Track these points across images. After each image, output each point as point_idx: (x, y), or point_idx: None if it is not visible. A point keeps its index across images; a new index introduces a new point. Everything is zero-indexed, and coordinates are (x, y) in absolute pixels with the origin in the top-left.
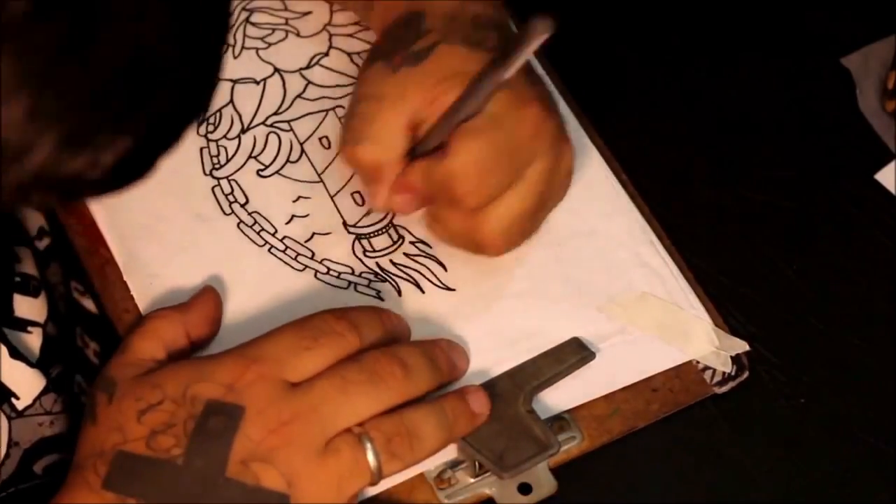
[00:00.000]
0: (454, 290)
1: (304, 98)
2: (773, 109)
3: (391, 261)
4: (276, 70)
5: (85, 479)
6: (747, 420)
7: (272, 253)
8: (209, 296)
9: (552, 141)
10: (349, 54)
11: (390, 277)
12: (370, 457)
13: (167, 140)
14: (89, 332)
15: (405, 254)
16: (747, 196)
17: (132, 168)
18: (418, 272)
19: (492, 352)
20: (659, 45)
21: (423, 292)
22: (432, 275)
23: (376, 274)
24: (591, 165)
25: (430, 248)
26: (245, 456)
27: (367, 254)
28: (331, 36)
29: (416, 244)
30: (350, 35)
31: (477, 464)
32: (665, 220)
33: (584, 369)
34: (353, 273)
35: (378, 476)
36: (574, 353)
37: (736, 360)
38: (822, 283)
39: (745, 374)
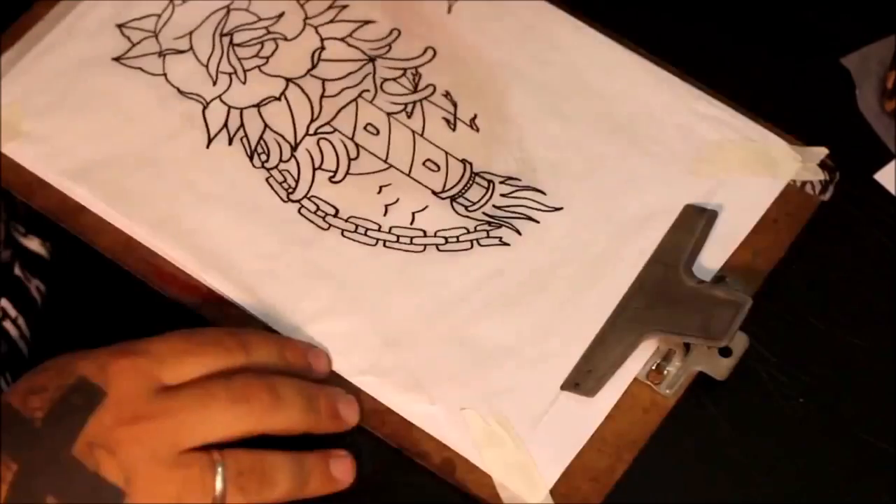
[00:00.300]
0: (562, 208)
1: (328, 96)
2: (773, 109)
3: (494, 206)
4: (288, 80)
5: None
6: (747, 420)
7: (389, 247)
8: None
9: None
10: (342, 39)
11: (503, 222)
12: (218, 482)
13: None
14: (31, 269)
15: (502, 195)
16: None
17: None
18: (524, 206)
19: (623, 245)
20: (659, 44)
21: (537, 222)
22: (536, 203)
23: (489, 223)
24: (612, 54)
25: (520, 180)
26: (93, 439)
27: (470, 209)
28: (316, 29)
29: (506, 182)
30: (332, 21)
31: (685, 346)
32: None
33: (710, 218)
34: (469, 231)
35: (219, 501)
36: (698, 218)
37: (823, 165)
38: (822, 283)
39: (838, 176)
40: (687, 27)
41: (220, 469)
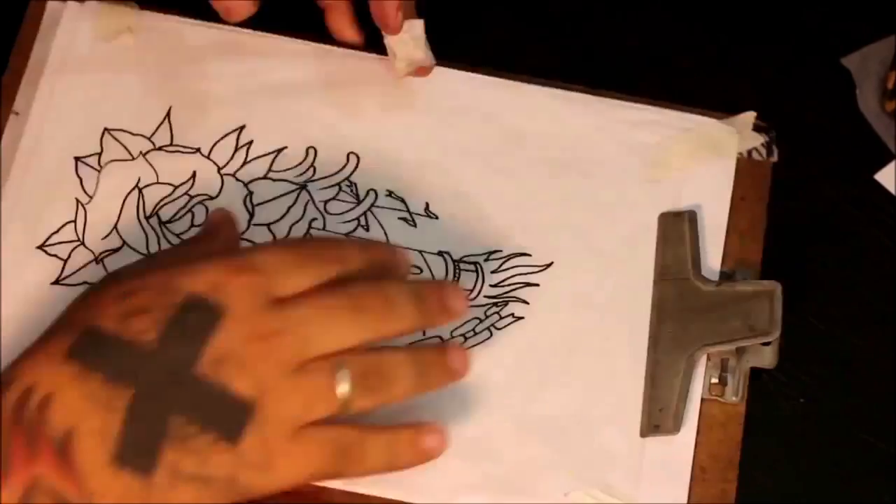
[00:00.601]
0: (552, 262)
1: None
2: (773, 109)
3: (490, 286)
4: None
5: (47, 350)
6: (747, 420)
7: None
8: (226, 220)
9: None
10: (264, 177)
11: (508, 297)
12: (343, 387)
13: None
14: None
15: (492, 272)
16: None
17: None
18: (517, 274)
19: (620, 273)
20: (658, 44)
21: (538, 285)
22: (527, 266)
23: (496, 304)
24: (526, 96)
25: (501, 251)
26: (220, 356)
27: (471, 298)
28: (234, 176)
29: (490, 258)
30: (244, 163)
31: (737, 350)
32: None
33: (692, 219)
34: (481, 320)
35: (346, 408)
36: (680, 223)
37: (757, 129)
38: (822, 284)
39: (774, 133)
40: (686, 27)
41: (343, 375)
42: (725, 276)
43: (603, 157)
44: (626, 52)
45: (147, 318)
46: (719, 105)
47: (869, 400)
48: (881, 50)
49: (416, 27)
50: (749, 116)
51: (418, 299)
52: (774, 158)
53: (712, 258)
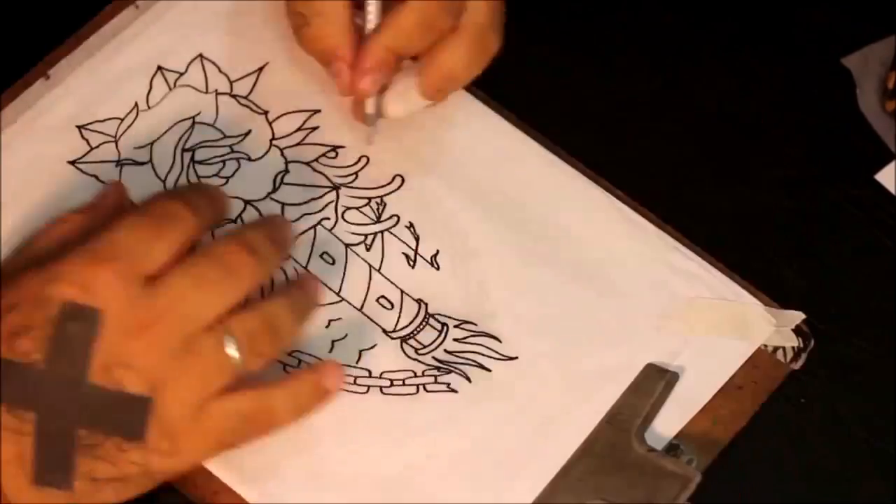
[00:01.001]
0: (516, 357)
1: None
2: (773, 109)
3: (445, 350)
4: (246, 202)
5: None
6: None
7: None
8: (113, 194)
9: None
10: (308, 164)
11: (453, 367)
12: (233, 353)
13: None
14: None
15: (455, 339)
16: (747, 196)
17: None
18: (476, 353)
19: (577, 402)
20: (658, 44)
21: (489, 370)
22: (491, 350)
23: (438, 368)
24: (586, 195)
25: (476, 325)
26: (106, 361)
27: (420, 352)
28: (282, 151)
29: (461, 326)
30: (299, 143)
31: None
32: (666, 220)
33: (670, 381)
34: (416, 375)
35: (240, 371)
36: (657, 380)
37: (797, 331)
38: (822, 283)
39: (812, 343)
40: (687, 26)
41: (231, 343)
42: (670, 447)
43: (628, 286)
44: (625, 51)
45: (29, 339)
46: (718, 106)
47: (869, 400)
48: (881, 50)
49: (400, 83)
50: (796, 316)
51: (273, 240)
52: (797, 365)
53: (669, 427)
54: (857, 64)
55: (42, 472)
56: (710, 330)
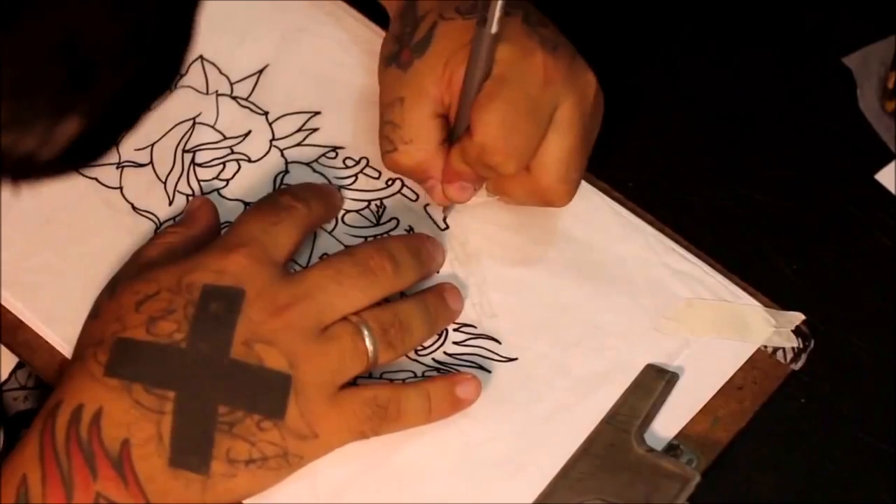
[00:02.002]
0: (516, 358)
1: None
2: (773, 109)
3: (445, 352)
4: (246, 204)
5: (86, 369)
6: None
7: None
8: (206, 206)
9: (567, 79)
10: (308, 164)
11: (452, 369)
12: (368, 343)
13: (124, 119)
14: None
15: (455, 342)
16: (747, 196)
17: (89, 147)
18: (476, 354)
19: (576, 402)
20: (659, 44)
21: (489, 372)
22: (490, 352)
23: (438, 370)
24: (584, 197)
25: (475, 327)
26: (248, 337)
27: (420, 353)
28: (282, 151)
29: (460, 330)
30: (299, 144)
31: None
32: (665, 220)
33: (670, 381)
34: (415, 376)
35: (374, 363)
36: (657, 380)
37: (797, 332)
38: (822, 283)
39: (812, 343)
40: (687, 26)
41: (366, 332)
42: (670, 447)
43: (627, 287)
44: (625, 51)
45: (172, 320)
46: (719, 106)
47: (869, 400)
48: (881, 50)
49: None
50: (796, 317)
51: (417, 254)
52: (797, 367)
53: (669, 427)
54: (857, 64)
55: (179, 453)
56: (709, 331)
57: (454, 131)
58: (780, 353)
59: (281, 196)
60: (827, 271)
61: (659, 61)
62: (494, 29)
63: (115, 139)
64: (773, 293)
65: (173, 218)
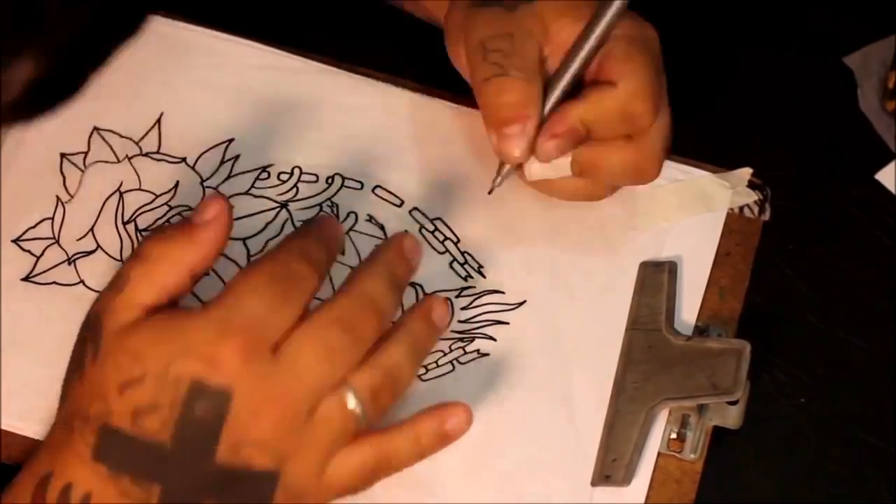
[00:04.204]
0: (525, 301)
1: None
2: (774, 109)
3: (459, 321)
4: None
5: (73, 447)
6: (747, 420)
7: None
8: (219, 221)
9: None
10: (246, 193)
11: (474, 334)
12: (357, 411)
13: (86, 62)
14: None
15: (462, 308)
16: None
17: (51, 90)
18: (488, 311)
19: (596, 318)
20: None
21: (507, 323)
22: (499, 304)
23: (462, 339)
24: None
25: (475, 287)
26: (235, 441)
27: None
28: (216, 190)
29: (462, 294)
30: (228, 177)
31: (699, 407)
32: None
33: (672, 270)
34: (445, 353)
35: (363, 424)
36: (659, 273)
37: (752, 186)
38: (822, 283)
39: (769, 192)
40: (687, 26)
41: (357, 408)
42: (699, 330)
43: (588, 203)
44: None
45: (157, 418)
46: (719, 105)
47: (869, 400)
48: (882, 50)
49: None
50: (745, 173)
51: (393, 281)
52: (766, 217)
53: (688, 311)
54: (857, 64)
55: None
56: (679, 213)
57: (550, 88)
58: (746, 211)
59: (295, 263)
60: (827, 271)
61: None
62: None
63: (79, 83)
64: (773, 293)
65: None
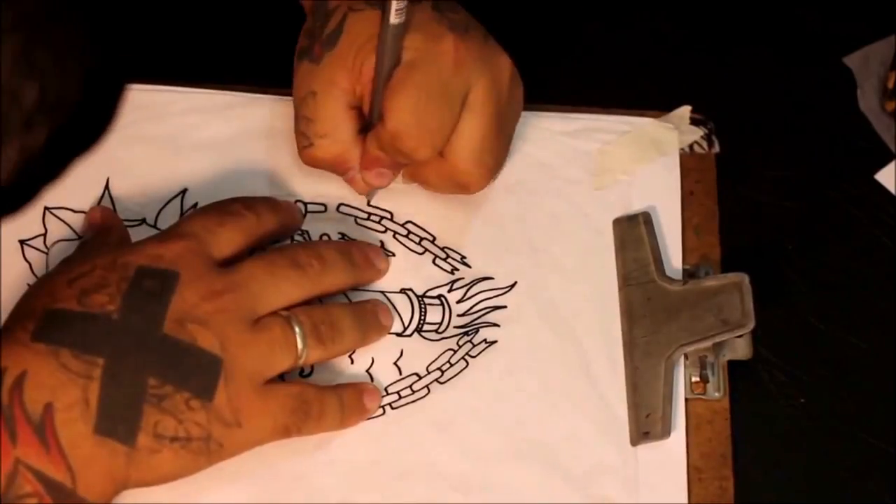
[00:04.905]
0: (515, 283)
1: None
2: (774, 109)
3: (458, 315)
4: None
5: (12, 337)
6: (747, 420)
7: (396, 408)
8: (106, 214)
9: (479, 61)
10: None
11: (477, 324)
12: (298, 338)
13: (43, 175)
14: None
15: (458, 301)
16: (747, 196)
17: (7, 201)
18: (483, 300)
19: (588, 283)
20: (659, 44)
21: (505, 307)
22: (492, 290)
23: (467, 333)
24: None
25: (464, 278)
26: (181, 316)
27: (441, 331)
28: None
29: (454, 289)
30: None
31: (714, 346)
32: None
33: (647, 221)
34: (455, 351)
35: (303, 359)
36: (635, 226)
37: (695, 122)
38: (822, 283)
39: (712, 124)
40: (687, 26)
41: (297, 327)
42: (689, 273)
43: (548, 172)
44: (626, 51)
45: (105, 293)
46: (718, 106)
47: (869, 400)
48: (882, 50)
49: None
50: (684, 111)
51: (348, 257)
52: (716, 149)
53: (673, 257)
54: (857, 64)
55: (106, 420)
56: (634, 163)
57: (370, 121)
58: (696, 148)
59: (232, 202)
60: (827, 271)
61: (659, 61)
62: (394, 19)
63: (34, 194)
64: (773, 293)
65: None
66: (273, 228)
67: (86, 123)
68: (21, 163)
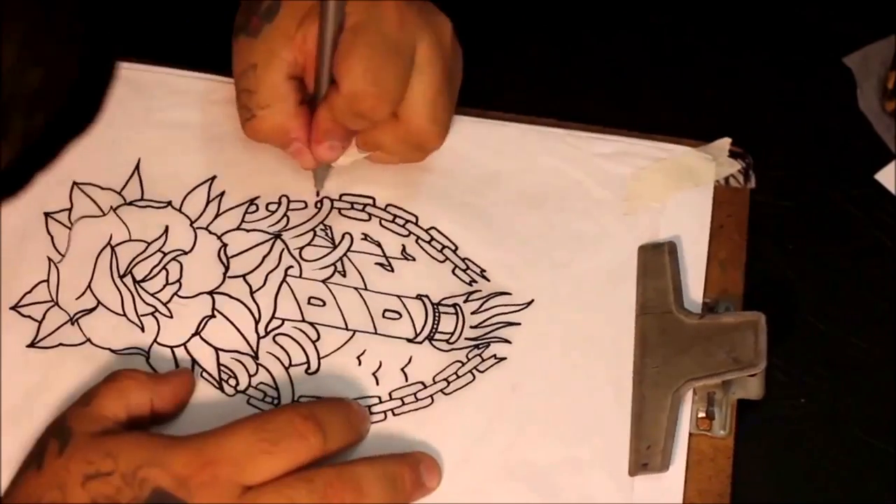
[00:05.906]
0: (532, 300)
1: (258, 290)
2: (774, 109)
3: (471, 327)
4: (211, 293)
5: None
6: (747, 420)
7: (398, 414)
8: (184, 377)
9: (421, 19)
10: (238, 228)
11: (489, 338)
12: None
13: (35, 163)
14: None
15: (472, 313)
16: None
17: (2, 185)
18: (498, 315)
19: (604, 308)
20: (659, 44)
21: (519, 324)
22: (508, 305)
23: (477, 346)
24: (488, 132)
25: (481, 290)
26: None
27: (452, 342)
28: (207, 229)
29: (470, 300)
30: (218, 214)
31: (723, 384)
32: None
33: (672, 251)
34: (463, 363)
35: None
36: (659, 255)
37: (733, 155)
38: (822, 283)
39: (751, 159)
40: (687, 26)
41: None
42: (708, 307)
43: (578, 192)
44: (626, 51)
45: None
46: (718, 106)
47: (869, 400)
48: (881, 50)
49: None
50: (724, 143)
51: (391, 482)
52: (752, 185)
53: (694, 289)
54: (857, 64)
55: None
56: (667, 192)
57: (316, 91)
58: (732, 181)
59: (299, 418)
60: (827, 271)
61: (659, 61)
62: None
63: (30, 178)
64: (773, 293)
65: (155, 340)
66: (341, 447)
67: (81, 107)
68: (21, 148)
